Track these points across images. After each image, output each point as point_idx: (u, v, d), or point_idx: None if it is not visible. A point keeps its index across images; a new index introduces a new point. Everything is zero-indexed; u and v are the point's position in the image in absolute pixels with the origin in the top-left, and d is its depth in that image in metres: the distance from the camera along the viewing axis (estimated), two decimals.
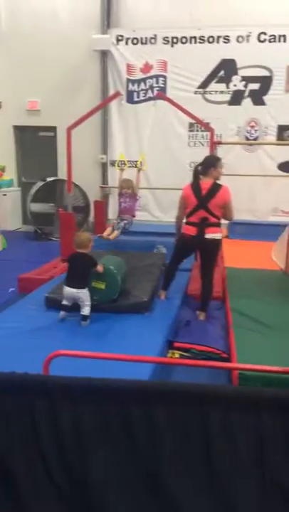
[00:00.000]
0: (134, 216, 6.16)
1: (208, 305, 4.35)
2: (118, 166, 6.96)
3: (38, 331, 3.63)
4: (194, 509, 1.51)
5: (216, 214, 4.02)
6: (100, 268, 3.87)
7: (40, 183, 8.27)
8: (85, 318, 3.79)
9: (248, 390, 1.46)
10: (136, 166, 6.52)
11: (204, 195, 3.99)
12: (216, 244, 4.15)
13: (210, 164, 4.14)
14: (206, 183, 4.04)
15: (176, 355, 3.71)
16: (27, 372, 1.51)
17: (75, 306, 3.86)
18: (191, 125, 8.53)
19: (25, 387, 1.48)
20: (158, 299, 4.46)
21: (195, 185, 4.07)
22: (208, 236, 4.03)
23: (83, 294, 3.76)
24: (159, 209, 8.84)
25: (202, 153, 8.31)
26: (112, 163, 8.92)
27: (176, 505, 1.51)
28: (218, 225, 4.09)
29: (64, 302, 3.84)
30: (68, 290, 3.77)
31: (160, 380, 3.16)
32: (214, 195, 3.98)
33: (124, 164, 6.71)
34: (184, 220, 4.21)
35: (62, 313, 3.86)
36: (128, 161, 8.39)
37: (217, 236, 4.10)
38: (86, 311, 3.79)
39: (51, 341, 3.40)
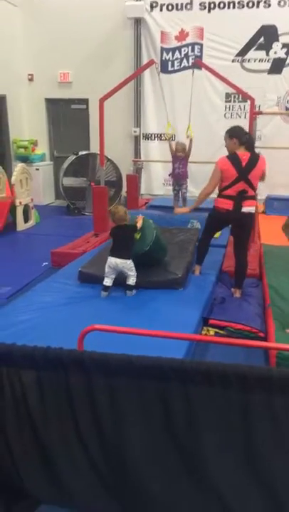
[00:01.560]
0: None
1: (243, 282, 4.22)
2: (167, 133, 6.97)
3: (71, 306, 3.61)
4: (232, 487, 1.46)
5: (255, 186, 3.91)
6: (139, 223, 3.88)
7: (72, 157, 8.20)
8: (130, 288, 3.83)
9: None
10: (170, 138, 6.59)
11: (245, 166, 3.83)
12: (252, 218, 4.03)
13: (235, 135, 3.92)
14: (244, 153, 3.86)
15: (211, 333, 3.63)
16: (61, 348, 1.45)
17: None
18: (227, 96, 8.20)
19: (61, 363, 1.43)
20: (192, 275, 4.35)
21: (233, 157, 3.87)
22: (244, 210, 3.89)
23: (127, 265, 3.79)
24: (193, 183, 8.60)
25: (240, 124, 7.99)
26: (146, 136, 8.73)
27: (214, 483, 1.46)
28: (254, 197, 3.96)
29: (106, 282, 3.82)
30: (112, 260, 3.79)
31: (195, 357, 3.10)
32: (255, 165, 3.84)
33: (173, 129, 6.78)
34: (215, 194, 4.04)
35: (103, 293, 3.85)
36: (161, 134, 8.25)
37: (253, 210, 3.97)
38: (132, 280, 3.83)
39: (85, 316, 3.38)
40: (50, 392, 1.48)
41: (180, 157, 6.53)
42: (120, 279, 3.90)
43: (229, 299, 4.12)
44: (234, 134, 3.91)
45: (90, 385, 1.46)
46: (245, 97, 5.95)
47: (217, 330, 3.62)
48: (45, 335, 3.04)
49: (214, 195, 4.12)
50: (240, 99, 8.06)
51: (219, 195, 3.98)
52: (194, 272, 4.32)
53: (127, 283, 3.85)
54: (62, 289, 3.99)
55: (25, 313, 3.46)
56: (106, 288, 3.84)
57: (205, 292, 3.97)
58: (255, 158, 3.86)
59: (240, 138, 3.88)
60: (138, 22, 8.31)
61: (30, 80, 8.97)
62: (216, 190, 4.05)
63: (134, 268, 3.84)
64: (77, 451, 1.54)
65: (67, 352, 1.44)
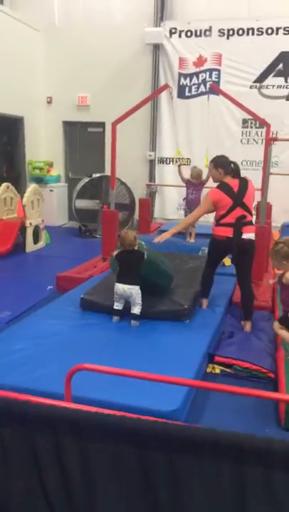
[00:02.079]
0: None
1: (252, 313, 4.00)
2: (176, 161, 6.85)
3: (70, 336, 3.42)
4: None
5: (251, 211, 3.85)
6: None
7: (86, 179, 8.16)
8: (135, 317, 3.68)
9: None
10: (185, 164, 6.43)
11: (237, 192, 3.78)
12: (253, 245, 3.87)
13: (220, 165, 3.88)
14: (232, 180, 3.84)
15: (217, 371, 3.38)
16: (28, 401, 1.27)
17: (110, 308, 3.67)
18: (244, 121, 8.10)
19: (24, 419, 1.24)
20: (200, 308, 4.13)
21: (224, 186, 3.83)
22: (245, 236, 3.78)
23: (135, 291, 3.65)
24: None
25: (256, 151, 7.93)
26: (161, 160, 8.66)
27: None
28: (252, 223, 3.88)
29: (116, 306, 3.71)
30: (120, 286, 3.66)
31: (196, 398, 2.86)
32: (246, 189, 3.81)
33: (182, 160, 6.59)
34: (214, 223, 3.99)
35: (115, 317, 3.72)
36: (177, 158, 8.15)
37: (253, 236, 3.86)
38: (137, 309, 3.68)
39: (83, 348, 3.19)
40: (13, 451, 1.29)
41: (194, 183, 6.32)
42: (122, 309, 3.72)
43: (238, 332, 3.87)
44: (219, 165, 3.89)
45: (58, 446, 1.27)
46: (262, 122, 5.81)
47: (223, 368, 3.38)
48: (37, 368, 2.86)
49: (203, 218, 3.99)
50: (257, 125, 7.95)
51: (217, 224, 3.89)
52: (201, 306, 4.09)
53: (132, 312, 3.69)
54: (63, 316, 3.81)
55: (21, 341, 3.27)
56: (117, 312, 3.72)
57: (212, 326, 3.73)
58: (244, 183, 3.84)
59: (225, 168, 3.87)
60: (157, 48, 8.35)
61: (49, 102, 9.06)
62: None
63: (140, 296, 3.69)
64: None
65: (34, 407, 1.25)
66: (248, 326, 3.94)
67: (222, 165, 3.88)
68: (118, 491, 1.26)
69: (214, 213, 3.95)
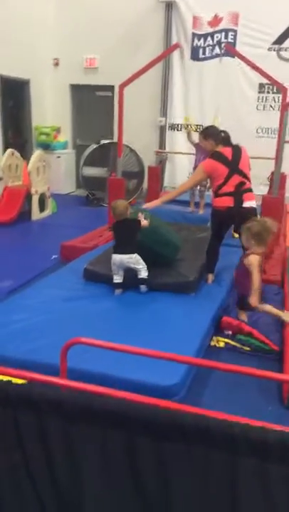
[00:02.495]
0: None
1: None
2: (186, 128, 6.59)
3: (71, 305, 3.35)
4: None
5: (249, 177, 3.76)
6: (144, 223, 3.61)
7: (94, 146, 7.93)
8: (143, 281, 3.61)
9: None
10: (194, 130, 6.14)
11: (232, 159, 3.69)
12: (254, 213, 3.75)
13: (210, 136, 3.83)
14: (224, 149, 3.76)
15: (221, 344, 3.30)
16: (10, 381, 1.18)
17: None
18: (261, 86, 7.72)
19: (6, 399, 1.16)
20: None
21: (217, 154, 3.75)
22: (246, 204, 3.70)
23: (133, 259, 3.58)
24: None
25: (272, 117, 7.58)
26: (172, 127, 8.36)
27: None
28: (252, 190, 3.78)
29: (116, 279, 3.62)
30: (118, 257, 3.58)
31: (198, 370, 2.79)
32: (240, 155, 3.72)
33: (191, 126, 6.33)
34: (212, 193, 3.91)
35: (117, 290, 3.64)
36: (187, 124, 7.85)
37: (254, 204, 3.77)
38: (143, 273, 3.61)
39: (84, 318, 3.12)
40: None
41: (202, 147, 5.99)
42: (126, 278, 3.63)
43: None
44: (209, 135, 3.85)
45: (42, 429, 1.18)
46: (279, 87, 5.51)
47: (228, 340, 3.29)
48: (37, 338, 2.81)
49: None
50: (274, 90, 7.57)
51: (216, 195, 3.79)
52: (207, 281, 3.96)
53: (139, 277, 3.61)
54: (66, 287, 3.73)
55: (21, 311, 3.21)
56: (118, 285, 3.63)
57: (217, 299, 3.62)
58: (238, 150, 3.77)
59: (214, 137, 3.82)
60: (169, 6, 7.91)
61: (56, 64, 8.72)
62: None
63: (141, 261, 3.61)
64: (28, 498, 1.27)
65: (14, 388, 1.16)
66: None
67: (211, 135, 3.83)
68: (104, 477, 1.19)
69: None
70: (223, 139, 3.84)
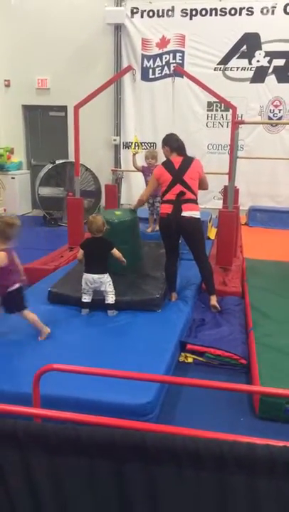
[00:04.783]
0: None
1: (214, 287, 4.08)
2: (133, 149, 6.59)
3: (36, 332, 3.27)
4: None
5: (193, 188, 3.83)
6: (116, 253, 3.66)
7: (49, 166, 7.88)
8: (110, 307, 3.61)
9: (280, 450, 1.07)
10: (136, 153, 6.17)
11: (178, 168, 3.82)
12: (196, 223, 3.85)
13: (166, 143, 4.01)
14: (176, 158, 3.90)
15: (190, 360, 3.34)
16: None
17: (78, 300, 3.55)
18: (209, 104, 8.00)
19: None
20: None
21: (166, 162, 3.93)
22: (185, 214, 3.77)
23: (105, 279, 3.58)
24: None
25: (221, 134, 7.87)
26: (126, 145, 8.47)
27: None
28: (195, 202, 3.86)
29: (84, 298, 3.61)
30: (89, 276, 3.57)
31: (169, 391, 2.81)
32: (188, 167, 3.83)
33: (138, 146, 6.33)
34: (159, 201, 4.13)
35: (84, 310, 3.62)
36: (142, 143, 7.98)
37: (195, 214, 3.84)
38: (110, 299, 3.60)
39: (51, 344, 3.07)
40: None
41: (151, 165, 5.72)
42: (93, 299, 3.62)
43: (209, 319, 3.85)
44: (165, 143, 4.01)
45: (27, 465, 1.16)
46: (228, 105, 5.75)
47: (196, 356, 3.34)
48: (1, 370, 2.72)
49: None
50: (222, 108, 7.88)
51: (162, 202, 3.95)
52: (170, 299, 4.00)
53: (107, 302, 3.61)
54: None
55: None
56: (86, 304, 3.62)
57: (183, 314, 3.68)
58: (188, 161, 3.86)
59: (171, 145, 3.95)
60: (118, 28, 8.08)
61: (7, 86, 8.65)
62: None
63: (112, 284, 3.62)
64: None
65: None
66: (213, 300, 4.00)
67: (167, 142, 3.98)
68: (93, 507, 1.17)
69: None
70: (179, 147, 3.94)
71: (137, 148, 6.38)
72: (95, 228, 3.60)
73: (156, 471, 1.10)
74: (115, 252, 3.65)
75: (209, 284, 4.07)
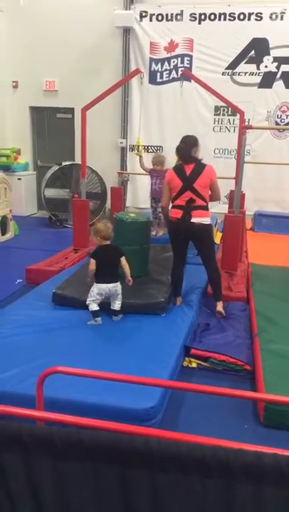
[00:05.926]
0: None
1: (221, 293, 4.05)
2: (136, 152, 6.59)
3: (40, 334, 3.26)
4: None
5: (203, 195, 3.78)
6: (124, 261, 3.61)
7: (55, 168, 7.90)
8: (116, 312, 3.57)
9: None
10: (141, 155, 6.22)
11: (189, 175, 3.77)
12: (205, 229, 3.85)
13: (193, 143, 3.91)
14: (188, 164, 3.83)
15: (194, 365, 3.32)
16: None
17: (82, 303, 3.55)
18: (217, 109, 8.00)
19: None
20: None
21: (178, 168, 3.88)
22: (194, 220, 3.75)
23: (119, 288, 3.55)
24: None
25: (228, 138, 7.87)
26: (132, 148, 8.48)
27: None
28: (205, 208, 3.82)
29: (95, 308, 3.49)
30: (104, 286, 3.48)
31: (173, 396, 2.78)
32: (199, 174, 3.76)
33: (141, 150, 6.36)
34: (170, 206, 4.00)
35: (98, 319, 3.50)
36: (148, 146, 7.99)
37: (205, 221, 3.82)
38: (117, 305, 3.57)
39: (55, 346, 3.05)
40: None
41: (158, 171, 5.79)
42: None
43: (214, 324, 3.82)
44: (177, 149, 3.93)
45: (30, 467, 1.14)
46: (235, 110, 5.74)
47: (200, 361, 3.31)
48: (7, 369, 2.71)
49: None
50: (229, 112, 7.88)
51: (172, 207, 3.91)
52: (175, 303, 3.98)
53: (113, 308, 3.57)
54: (33, 313, 3.64)
55: None
56: (96, 313, 3.50)
57: (188, 319, 3.66)
58: (199, 168, 3.79)
59: (178, 154, 3.91)
60: (127, 31, 8.11)
61: (15, 87, 8.69)
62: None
63: (120, 290, 3.58)
64: None
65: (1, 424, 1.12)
66: (220, 307, 3.98)
67: (176, 151, 3.94)
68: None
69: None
70: (184, 155, 3.83)
71: (139, 151, 6.41)
72: (106, 234, 3.54)
73: (160, 477, 1.08)
74: (123, 260, 3.59)
75: (216, 291, 4.04)
